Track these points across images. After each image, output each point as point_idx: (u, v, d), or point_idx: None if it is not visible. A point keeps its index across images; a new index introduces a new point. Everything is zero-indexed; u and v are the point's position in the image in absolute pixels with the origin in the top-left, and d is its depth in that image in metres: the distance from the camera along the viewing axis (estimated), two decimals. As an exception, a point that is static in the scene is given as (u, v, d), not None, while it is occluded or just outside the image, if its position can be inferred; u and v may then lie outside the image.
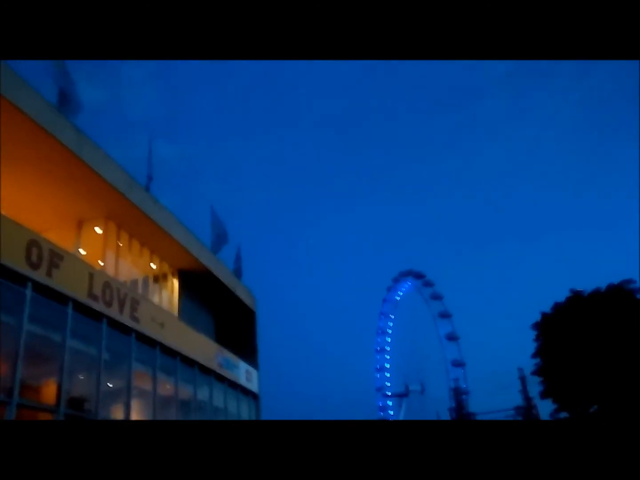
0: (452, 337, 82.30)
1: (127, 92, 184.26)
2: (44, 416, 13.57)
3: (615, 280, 34.98)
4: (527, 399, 37.92)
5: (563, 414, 35.62)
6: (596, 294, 35.08)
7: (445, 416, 43.16)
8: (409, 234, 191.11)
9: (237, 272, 28.90)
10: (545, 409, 37.50)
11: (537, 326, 37.04)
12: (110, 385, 16.51)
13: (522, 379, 38.45)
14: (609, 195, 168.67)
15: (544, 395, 36.28)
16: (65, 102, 15.42)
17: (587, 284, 37.25)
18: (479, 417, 39.13)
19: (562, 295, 36.68)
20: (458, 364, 79.77)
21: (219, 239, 26.16)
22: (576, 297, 35.84)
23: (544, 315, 36.91)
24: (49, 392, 13.87)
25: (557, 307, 36.48)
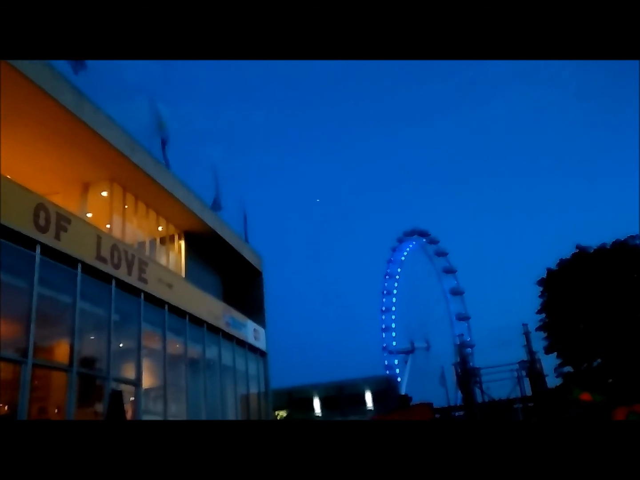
0: (456, 292, 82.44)
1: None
2: (58, 375, 13.94)
3: (621, 235, 35.00)
4: (531, 353, 38.38)
5: (567, 369, 36.17)
6: (601, 250, 35.13)
7: (450, 371, 43.81)
8: (414, 193, 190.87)
9: (243, 235, 28.99)
10: (548, 363, 38.04)
11: (542, 282, 37.24)
12: (121, 345, 16.82)
13: (526, 334, 38.85)
14: (616, 148, 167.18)
15: (548, 350, 36.76)
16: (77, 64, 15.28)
17: (593, 240, 37.25)
18: (483, 372, 39.68)
19: (567, 251, 36.76)
20: (463, 317, 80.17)
21: (213, 206, 26.17)
22: (581, 253, 35.90)
23: (550, 272, 37.05)
24: (61, 352, 14.17)
25: (563, 263, 36.59)
